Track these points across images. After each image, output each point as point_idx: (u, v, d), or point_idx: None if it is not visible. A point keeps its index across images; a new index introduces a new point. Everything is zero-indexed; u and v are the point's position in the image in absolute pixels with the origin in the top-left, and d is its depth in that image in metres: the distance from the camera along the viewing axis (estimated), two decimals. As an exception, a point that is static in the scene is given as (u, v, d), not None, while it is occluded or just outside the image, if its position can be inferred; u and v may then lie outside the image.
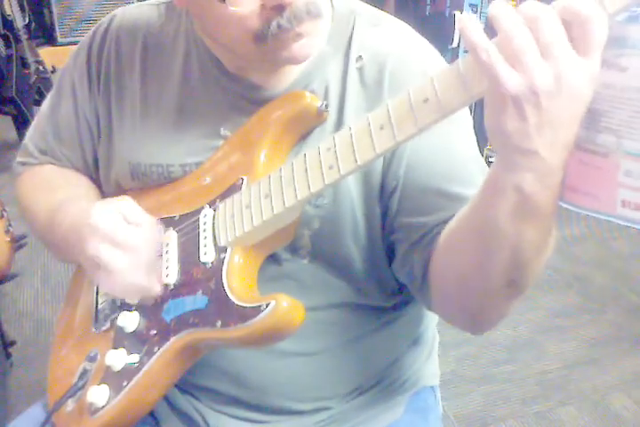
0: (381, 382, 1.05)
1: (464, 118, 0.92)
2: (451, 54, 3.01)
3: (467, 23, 0.61)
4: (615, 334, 2.35)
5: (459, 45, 3.07)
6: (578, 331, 2.37)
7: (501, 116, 0.62)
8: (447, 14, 3.16)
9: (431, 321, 1.12)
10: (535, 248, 0.72)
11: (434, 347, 1.16)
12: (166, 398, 1.02)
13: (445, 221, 0.83)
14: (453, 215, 0.82)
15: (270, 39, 0.80)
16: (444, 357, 2.17)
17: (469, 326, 0.89)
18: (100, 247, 0.86)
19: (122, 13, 1.03)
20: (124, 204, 0.90)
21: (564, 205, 0.65)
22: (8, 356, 2.14)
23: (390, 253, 0.93)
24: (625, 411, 2.05)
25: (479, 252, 0.75)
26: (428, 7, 3.29)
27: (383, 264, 0.95)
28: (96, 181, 1.08)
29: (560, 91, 0.59)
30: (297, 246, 0.91)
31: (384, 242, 0.92)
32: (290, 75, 0.92)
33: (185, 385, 1.01)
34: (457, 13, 3.07)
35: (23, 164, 1.13)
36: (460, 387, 2.13)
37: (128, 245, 0.86)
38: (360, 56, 0.91)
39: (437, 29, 3.11)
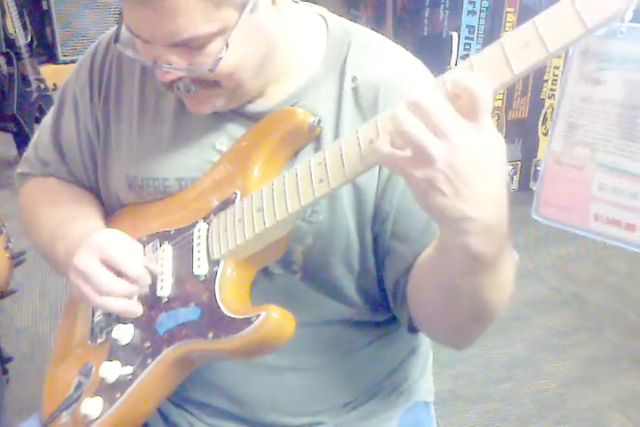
0: (375, 397, 1.06)
1: None
2: (448, 74, 3.02)
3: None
4: (612, 354, 2.35)
5: (457, 65, 3.10)
6: (575, 350, 2.37)
7: (424, 199, 0.67)
8: (444, 35, 3.19)
9: (425, 336, 1.13)
10: (492, 290, 0.77)
11: (428, 361, 1.16)
12: (160, 412, 1.03)
13: None
14: None
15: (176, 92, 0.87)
16: (440, 375, 2.17)
17: (450, 346, 0.94)
18: (77, 283, 0.90)
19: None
20: (113, 248, 0.91)
21: (537, 219, 0.67)
22: (5, 372, 2.13)
23: (380, 274, 0.95)
24: (621, 430, 2.05)
25: (440, 297, 0.81)
26: (426, 28, 3.32)
27: (373, 284, 0.96)
28: (97, 192, 1.09)
29: (458, 159, 0.64)
30: (289, 261, 0.92)
31: (377, 264, 0.94)
32: (284, 91, 0.93)
33: (178, 399, 1.01)
34: (454, 34, 3.10)
35: (24, 175, 1.14)
36: (456, 406, 2.12)
37: (101, 292, 0.88)
38: (355, 77, 0.92)
39: (435, 50, 3.14)
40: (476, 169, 0.65)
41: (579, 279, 2.73)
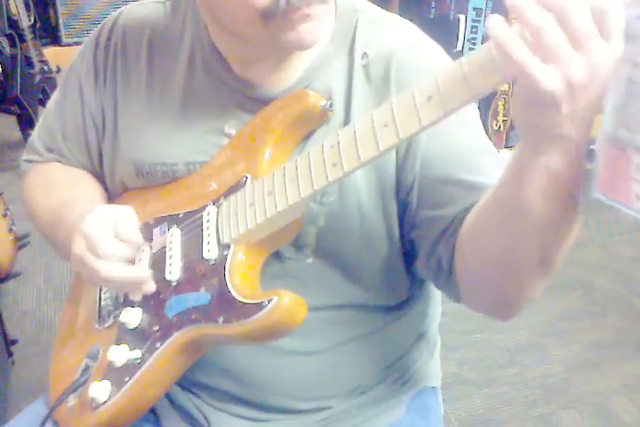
0: (383, 382, 1.05)
1: (471, 109, 0.92)
2: (455, 57, 2.98)
3: (494, 22, 0.61)
4: (617, 338, 2.35)
5: (463, 48, 3.07)
6: (580, 335, 2.37)
7: (533, 109, 0.63)
8: (451, 17, 3.16)
9: (434, 320, 1.12)
10: (562, 227, 0.73)
11: (436, 347, 1.16)
12: (167, 395, 1.02)
13: (465, 210, 0.83)
14: (471, 204, 0.82)
15: (279, 17, 0.80)
16: (446, 359, 2.16)
17: (499, 313, 0.90)
18: (83, 253, 0.88)
19: (128, 10, 1.04)
20: (120, 216, 0.91)
21: (598, 196, 0.65)
22: (10, 354, 2.14)
23: (411, 251, 0.93)
24: (626, 415, 2.05)
25: (510, 235, 0.76)
26: (433, 10, 3.29)
27: (397, 263, 0.94)
28: (101, 178, 1.08)
29: (593, 81, 0.60)
30: (302, 244, 0.91)
31: (403, 240, 0.92)
32: (293, 72, 0.92)
33: (186, 382, 1.01)
34: (461, 17, 3.07)
35: (30, 161, 1.13)
36: (461, 390, 2.12)
37: (106, 257, 0.87)
38: (365, 53, 0.91)
39: (441, 33, 3.10)
40: (598, 96, 0.61)
41: (584, 264, 2.72)
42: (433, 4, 3.27)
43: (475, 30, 3.09)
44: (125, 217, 0.92)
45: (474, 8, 3.07)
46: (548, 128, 0.63)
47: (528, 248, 0.75)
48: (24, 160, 1.14)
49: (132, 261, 0.91)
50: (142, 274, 0.89)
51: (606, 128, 0.61)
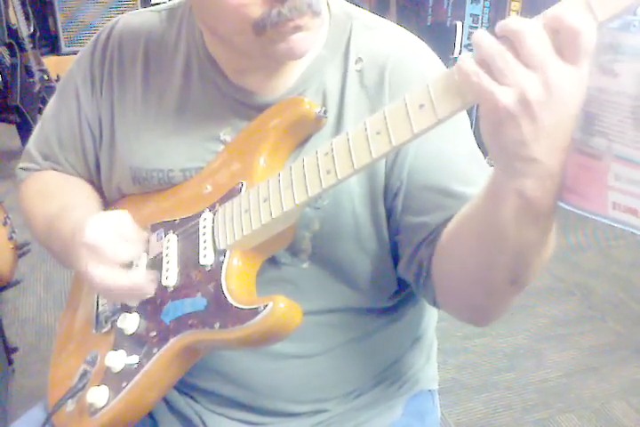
0: (380, 384, 1.06)
1: (462, 118, 0.93)
2: (452, 64, 3.00)
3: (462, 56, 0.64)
4: (616, 343, 2.36)
5: (460, 55, 3.09)
6: (578, 339, 2.38)
7: (497, 128, 0.63)
8: (448, 24, 3.17)
9: (430, 322, 1.13)
10: (537, 248, 0.73)
11: (432, 350, 1.16)
12: (165, 400, 1.03)
13: (448, 220, 0.84)
14: (455, 214, 0.83)
15: (269, 28, 0.81)
16: (445, 364, 2.19)
17: (474, 320, 0.91)
18: (91, 262, 0.88)
19: (124, 19, 1.05)
20: (118, 219, 0.92)
21: (562, 205, 0.66)
22: (10, 362, 2.14)
23: (395, 255, 0.94)
24: (625, 419, 2.05)
25: (482, 253, 0.77)
26: (429, 17, 3.31)
27: (387, 265, 0.95)
28: (98, 186, 1.09)
29: (550, 98, 0.60)
30: (297, 250, 0.92)
31: (390, 242, 0.93)
32: (288, 79, 0.93)
33: (183, 387, 1.02)
34: (458, 23, 3.09)
35: (26, 169, 1.14)
36: (460, 395, 2.13)
37: (117, 260, 0.88)
38: (360, 58, 0.92)
39: (438, 39, 3.13)
40: (562, 116, 0.61)
41: (583, 269, 2.73)
42: (430, 10, 3.29)
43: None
44: (121, 219, 0.93)
45: (471, 14, 3.09)
46: (515, 150, 0.63)
47: (502, 266, 0.76)
48: (20, 168, 1.14)
49: (129, 267, 0.92)
50: (148, 276, 0.90)
51: (575, 137, 0.62)
